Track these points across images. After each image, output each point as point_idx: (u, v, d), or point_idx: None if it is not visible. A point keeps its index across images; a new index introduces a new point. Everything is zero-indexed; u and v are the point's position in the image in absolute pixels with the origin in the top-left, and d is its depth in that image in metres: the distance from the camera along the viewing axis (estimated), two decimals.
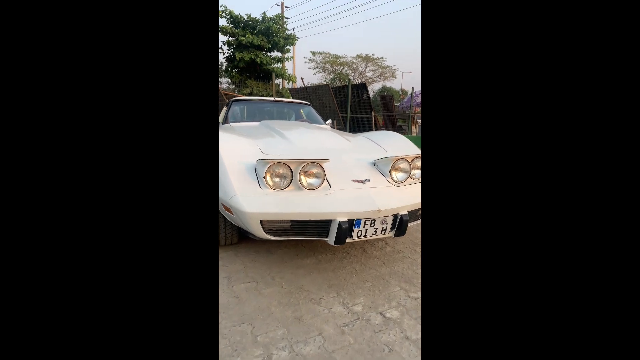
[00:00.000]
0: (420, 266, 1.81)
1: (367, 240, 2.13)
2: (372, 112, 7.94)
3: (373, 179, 1.61)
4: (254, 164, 1.54)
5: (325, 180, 1.51)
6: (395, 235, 1.54)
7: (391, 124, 9.68)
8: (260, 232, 1.39)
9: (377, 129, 8.38)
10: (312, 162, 1.42)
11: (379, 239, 2.17)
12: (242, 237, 1.87)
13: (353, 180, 1.56)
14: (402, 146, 1.98)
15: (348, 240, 1.43)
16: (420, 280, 1.65)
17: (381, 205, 1.42)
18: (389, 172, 1.65)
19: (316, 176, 1.47)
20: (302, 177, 1.45)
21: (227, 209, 1.47)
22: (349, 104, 7.57)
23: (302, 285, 1.56)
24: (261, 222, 1.36)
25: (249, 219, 1.34)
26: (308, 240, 2.07)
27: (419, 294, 1.52)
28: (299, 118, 3.49)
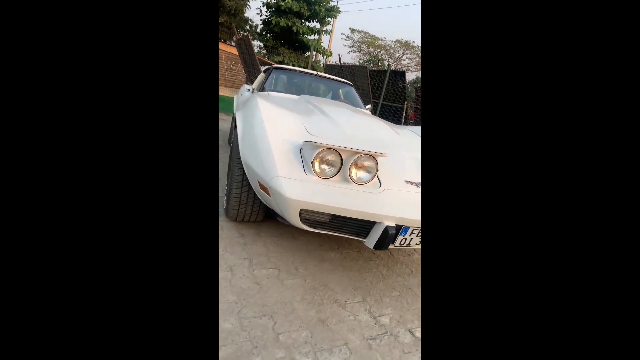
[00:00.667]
0: None
1: None
2: (405, 103, 7.62)
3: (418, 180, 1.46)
4: (299, 144, 1.40)
5: (376, 177, 1.36)
6: None
7: (420, 119, 9.33)
8: (296, 220, 1.28)
9: (406, 121, 8.08)
10: (368, 154, 1.27)
11: None
12: (267, 215, 1.77)
13: (406, 182, 1.41)
14: None
15: (390, 246, 1.30)
16: None
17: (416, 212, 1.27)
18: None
19: (367, 170, 1.32)
20: (353, 170, 1.30)
21: (264, 189, 1.35)
22: (384, 90, 7.26)
23: (327, 282, 1.46)
24: (300, 210, 1.24)
25: (289, 205, 1.22)
26: None
27: None
28: (335, 98, 3.30)
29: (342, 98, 3.31)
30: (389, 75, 7.27)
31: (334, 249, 1.78)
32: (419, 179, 1.46)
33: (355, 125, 1.80)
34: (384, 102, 7.53)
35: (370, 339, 1.17)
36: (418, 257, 1.91)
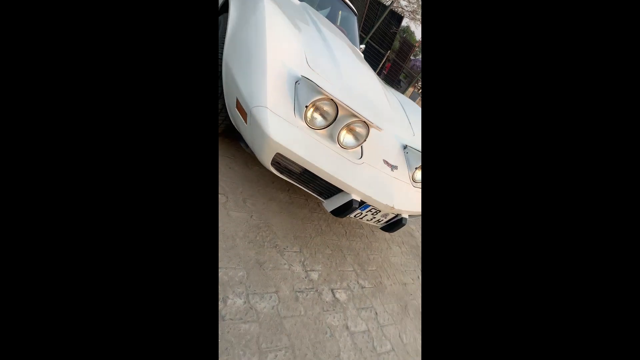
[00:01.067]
0: (372, 252, 1.86)
1: None
2: (388, 52, 7.26)
3: (400, 168, 1.47)
4: (297, 75, 1.22)
5: (360, 146, 1.30)
6: (383, 229, 1.49)
7: (393, 74, 9.15)
8: (266, 160, 1.18)
9: (381, 71, 7.79)
10: (365, 122, 1.18)
11: None
12: (226, 130, 1.59)
13: (384, 161, 1.39)
14: None
15: (346, 217, 1.32)
16: (368, 269, 1.71)
17: (397, 204, 1.32)
18: (415, 168, 1.52)
19: (356, 137, 1.25)
20: (343, 131, 1.21)
21: (242, 112, 1.18)
22: (375, 28, 6.72)
23: (271, 223, 1.45)
24: (275, 153, 1.14)
25: (267, 144, 1.10)
26: None
27: (367, 284, 1.58)
28: (332, 19, 2.93)
29: (339, 23, 2.96)
30: (387, 14, 6.69)
31: (284, 190, 1.75)
32: (394, 162, 1.45)
33: (354, 74, 1.64)
34: (370, 41, 7.03)
35: (299, 292, 1.25)
36: (354, 222, 2.03)
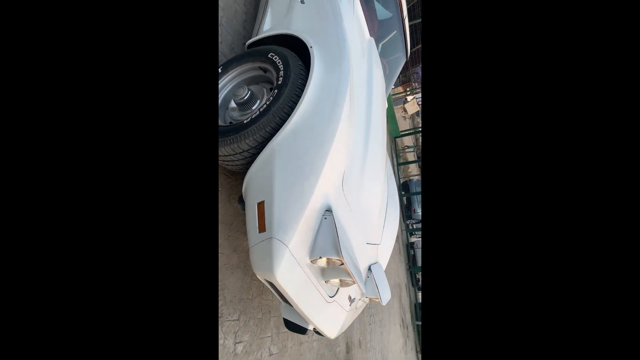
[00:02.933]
0: None
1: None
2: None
3: (357, 297, 1.60)
4: (328, 203, 1.19)
5: (337, 290, 1.39)
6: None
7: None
8: (255, 271, 1.17)
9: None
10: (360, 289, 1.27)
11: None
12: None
13: (348, 297, 1.50)
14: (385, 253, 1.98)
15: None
16: (281, 331, 1.89)
17: (336, 333, 1.47)
18: (361, 298, 1.67)
19: (343, 283, 1.32)
20: (337, 279, 1.27)
21: (261, 220, 1.13)
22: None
23: (225, 285, 1.47)
24: (267, 280, 1.15)
25: (267, 274, 1.09)
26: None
27: (275, 349, 1.76)
28: (386, 52, 2.70)
29: (388, 58, 2.76)
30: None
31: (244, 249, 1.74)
32: (355, 294, 1.58)
33: (370, 187, 1.64)
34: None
35: None
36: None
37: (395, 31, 2.74)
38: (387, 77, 2.71)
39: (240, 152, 1.23)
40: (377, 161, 1.76)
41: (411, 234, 10.01)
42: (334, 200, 1.24)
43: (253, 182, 1.22)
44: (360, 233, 1.51)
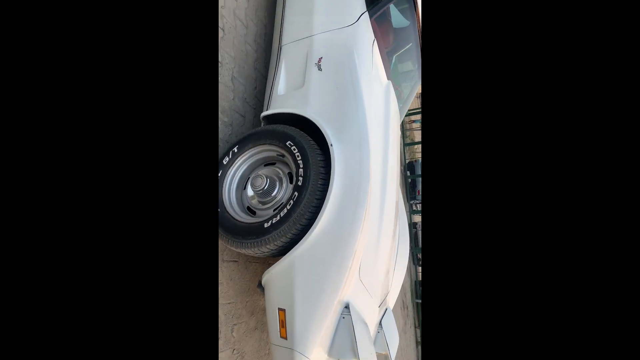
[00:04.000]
0: None
1: None
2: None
3: None
4: (347, 301, 1.23)
5: None
6: None
7: None
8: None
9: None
10: None
11: None
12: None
13: None
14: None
15: None
16: None
17: None
18: None
19: None
20: None
21: (282, 328, 1.18)
22: None
23: (244, 351, 1.56)
24: None
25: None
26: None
27: None
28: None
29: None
30: None
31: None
32: None
33: (383, 258, 1.65)
34: None
35: None
36: None
37: (411, 43, 2.59)
38: (401, 100, 2.61)
39: (260, 253, 1.25)
40: (391, 223, 1.76)
41: (414, 214, 10.14)
42: (352, 294, 1.28)
43: (273, 283, 1.25)
44: (374, 303, 1.56)
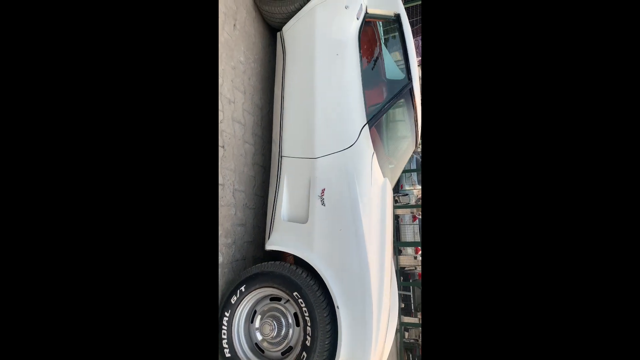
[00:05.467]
0: None
1: None
2: None
3: None
4: None
5: None
6: None
7: None
8: None
9: None
10: None
11: None
12: None
13: None
14: None
15: None
16: None
17: None
18: None
19: None
20: None
21: None
22: None
23: None
24: None
25: None
26: None
27: None
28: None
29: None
30: None
31: None
32: None
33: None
34: None
35: None
36: None
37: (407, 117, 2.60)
38: (394, 169, 2.65)
39: None
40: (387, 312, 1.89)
41: (396, 209, 10.45)
42: None
43: None
44: None
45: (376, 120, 1.77)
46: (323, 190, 1.56)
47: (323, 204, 1.53)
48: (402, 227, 9.81)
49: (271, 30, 2.11)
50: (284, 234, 1.59)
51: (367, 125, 1.69)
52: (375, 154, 1.74)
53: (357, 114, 1.69)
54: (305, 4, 1.76)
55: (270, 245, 1.59)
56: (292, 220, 1.61)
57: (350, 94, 1.67)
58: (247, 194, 1.85)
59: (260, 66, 2.03)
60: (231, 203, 1.70)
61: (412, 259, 7.46)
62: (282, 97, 1.79)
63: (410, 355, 6.67)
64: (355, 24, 1.71)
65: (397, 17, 1.94)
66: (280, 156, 1.73)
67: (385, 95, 1.93)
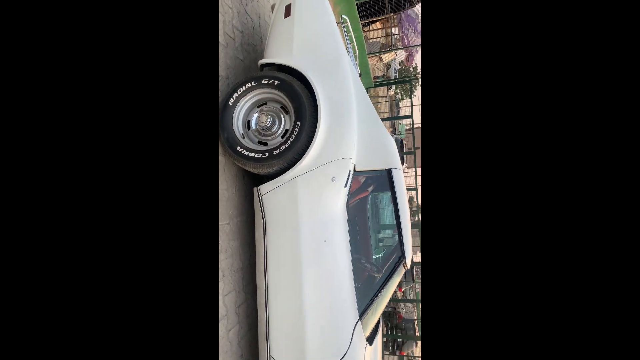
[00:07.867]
0: None
1: None
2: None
3: None
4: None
5: None
6: None
7: None
8: None
9: None
10: None
11: None
12: None
13: None
14: None
15: None
16: None
17: None
18: None
19: None
20: None
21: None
22: None
23: None
24: None
25: None
26: None
27: None
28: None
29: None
30: None
31: None
32: None
33: None
34: None
35: None
36: None
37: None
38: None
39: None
40: None
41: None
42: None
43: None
44: None
45: (367, 310, 1.62)
46: None
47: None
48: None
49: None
50: None
51: (359, 321, 1.55)
52: (367, 345, 1.65)
53: (349, 314, 1.53)
54: (284, 170, 1.55)
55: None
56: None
57: (341, 294, 1.50)
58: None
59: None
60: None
61: None
62: (266, 279, 1.57)
63: (389, 323, 6.99)
64: (344, 192, 1.51)
65: (389, 172, 1.64)
66: (270, 356, 1.57)
67: (376, 281, 1.69)
